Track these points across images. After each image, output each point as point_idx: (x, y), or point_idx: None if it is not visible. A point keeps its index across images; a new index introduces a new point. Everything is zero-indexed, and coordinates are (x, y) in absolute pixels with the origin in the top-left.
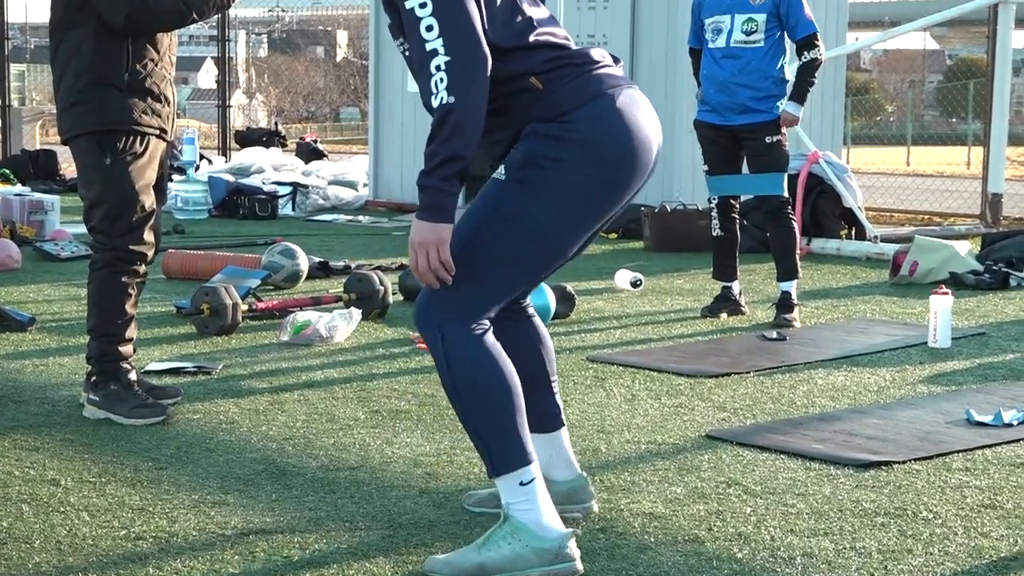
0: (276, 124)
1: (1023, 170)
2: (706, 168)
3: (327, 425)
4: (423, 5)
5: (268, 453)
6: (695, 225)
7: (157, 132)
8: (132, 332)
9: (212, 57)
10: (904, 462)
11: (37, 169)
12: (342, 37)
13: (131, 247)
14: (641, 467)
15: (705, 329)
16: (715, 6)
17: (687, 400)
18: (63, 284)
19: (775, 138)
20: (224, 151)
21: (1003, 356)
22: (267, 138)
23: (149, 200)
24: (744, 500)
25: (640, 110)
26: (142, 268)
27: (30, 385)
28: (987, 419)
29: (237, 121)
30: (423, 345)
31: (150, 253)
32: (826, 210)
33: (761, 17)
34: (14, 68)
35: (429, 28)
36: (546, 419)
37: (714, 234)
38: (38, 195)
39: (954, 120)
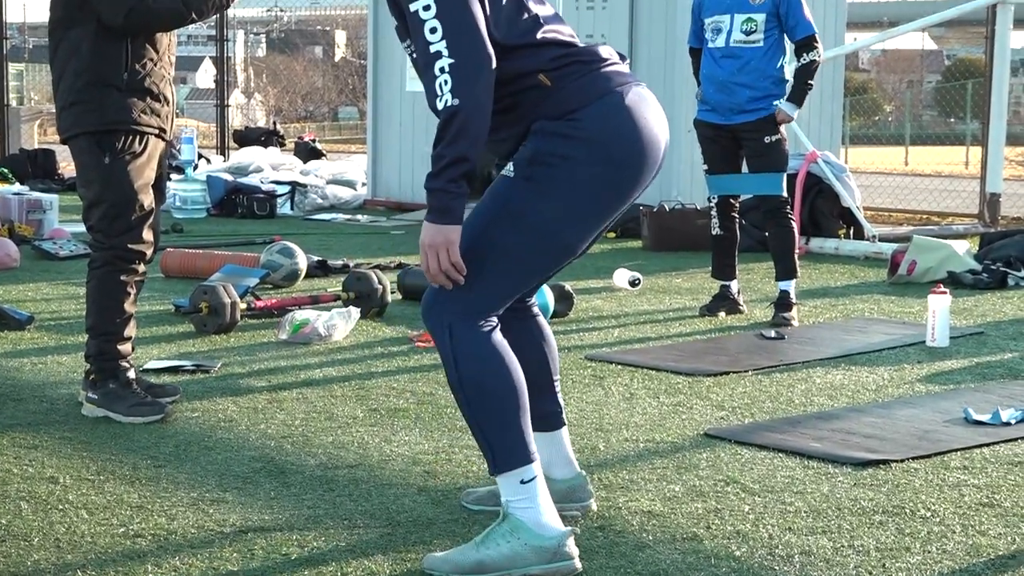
0: (274, 123)
1: (1021, 170)
2: (706, 167)
3: (326, 423)
4: (427, 7)
5: (267, 451)
6: (693, 224)
7: (156, 131)
8: (131, 331)
9: (210, 57)
10: (902, 461)
11: (35, 168)
12: (340, 37)
13: (130, 246)
14: (639, 465)
15: (703, 328)
16: (715, 6)
17: (685, 399)
18: (61, 283)
19: (775, 137)
20: (222, 150)
21: (1001, 355)
22: (265, 137)
23: (148, 199)
24: (742, 498)
25: (648, 108)
26: (141, 267)
27: (29, 383)
28: (985, 418)
29: (235, 120)
30: (422, 344)
31: (149, 252)
32: (824, 209)
33: (760, 17)
34: (12, 67)
35: (433, 30)
36: (547, 418)
37: (713, 233)
38: (36, 194)
39: (952, 120)
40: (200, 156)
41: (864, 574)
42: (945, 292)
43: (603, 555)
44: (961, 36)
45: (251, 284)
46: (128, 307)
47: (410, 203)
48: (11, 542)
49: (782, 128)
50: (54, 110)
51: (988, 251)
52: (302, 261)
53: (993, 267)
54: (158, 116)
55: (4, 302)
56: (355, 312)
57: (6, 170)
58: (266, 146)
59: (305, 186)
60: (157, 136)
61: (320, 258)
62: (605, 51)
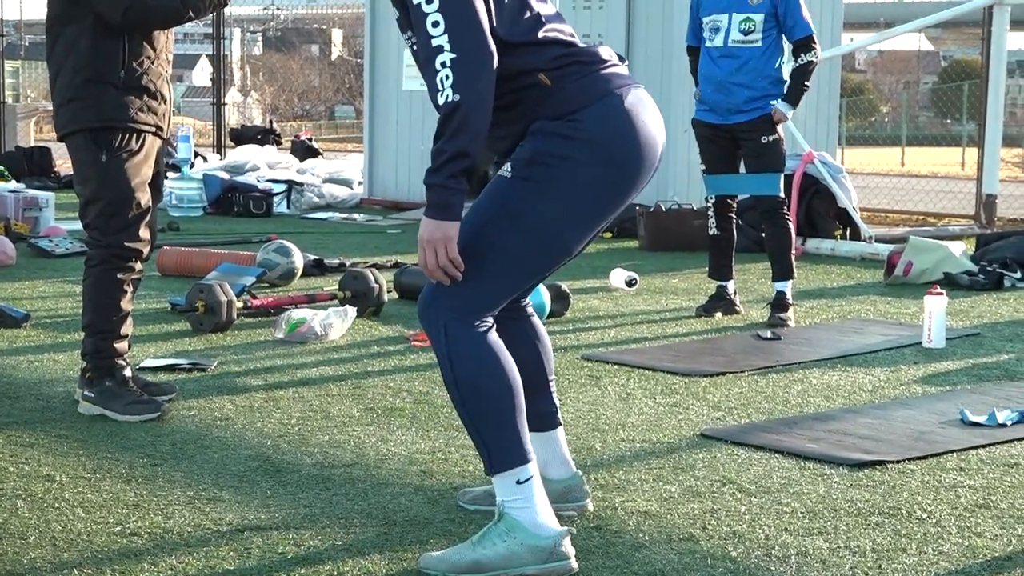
0: (271, 122)
1: (1017, 171)
2: (703, 167)
3: (322, 422)
4: (430, 1)
5: (263, 450)
6: (690, 224)
7: (153, 129)
8: (127, 329)
9: (207, 55)
10: (898, 462)
11: (32, 166)
12: (337, 36)
13: (127, 244)
14: (636, 466)
15: (700, 328)
16: (713, 5)
17: (682, 399)
18: (58, 280)
19: (772, 137)
20: (219, 149)
21: (997, 356)
22: (262, 136)
23: (145, 197)
24: (738, 499)
25: (646, 111)
26: (138, 265)
27: (25, 381)
28: (981, 419)
29: (232, 119)
30: (418, 343)
31: (146, 250)
32: (821, 210)
33: (759, 17)
34: (8, 65)
35: (435, 24)
36: (543, 418)
37: (711, 233)
38: (33, 191)
39: (949, 121)
40: (196, 154)
41: (860, 575)
42: (941, 293)
43: (599, 555)
44: (957, 37)
45: (247, 283)
46: (125, 305)
47: (407, 202)
48: (7, 540)
49: (779, 128)
50: (51, 107)
51: (984, 252)
52: (298, 260)
53: (989, 268)
54: (155, 114)
55: (0, 300)
56: (351, 311)
57: (2, 167)
58: (262, 144)
59: (301, 185)
60: (154, 134)
61: (316, 257)
62: (605, 52)
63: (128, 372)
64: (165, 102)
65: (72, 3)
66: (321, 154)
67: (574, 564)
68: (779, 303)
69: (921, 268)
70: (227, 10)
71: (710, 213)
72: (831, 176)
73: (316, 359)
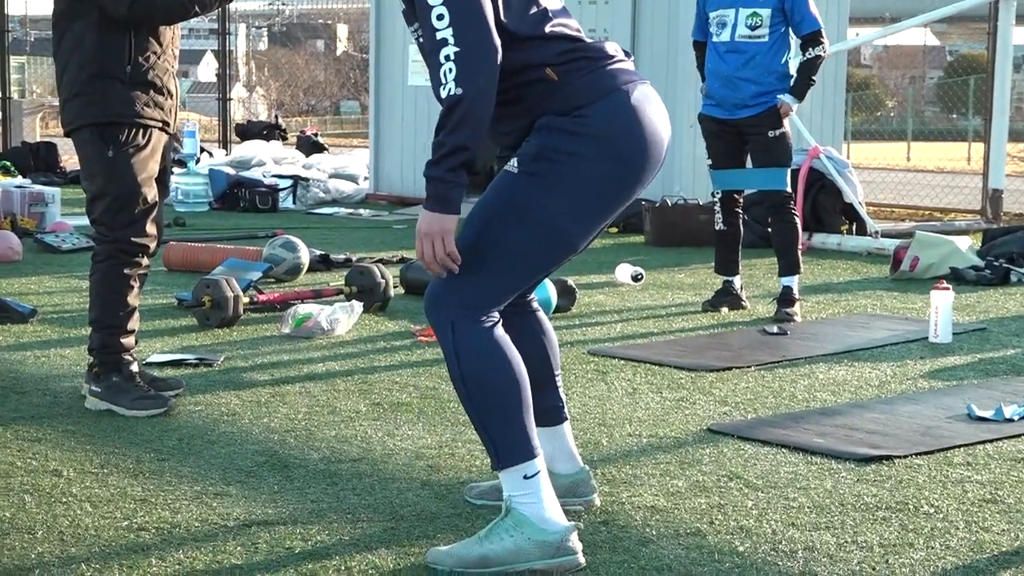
0: (276, 117)
1: (1023, 166)
2: (710, 162)
3: (329, 417)
4: None
5: (270, 445)
6: (696, 220)
7: (159, 125)
8: (134, 324)
9: (212, 50)
10: (905, 456)
11: (38, 161)
12: (342, 31)
13: (133, 239)
14: (642, 460)
15: (706, 323)
16: (720, 0)
17: (688, 394)
18: (64, 276)
19: (778, 132)
20: (224, 144)
21: (1004, 351)
22: (267, 131)
23: (151, 193)
24: (745, 494)
25: (652, 106)
26: (144, 260)
27: (32, 376)
28: (988, 414)
29: (237, 114)
30: (424, 338)
31: (152, 245)
32: (827, 205)
33: (766, 12)
34: (14, 60)
35: (440, 17)
36: (550, 413)
37: (717, 228)
38: (39, 187)
39: (954, 116)
40: (202, 150)
41: (867, 570)
42: (948, 288)
43: (606, 550)
44: (963, 32)
45: (254, 278)
46: (131, 300)
47: (412, 197)
48: (15, 535)
49: (785, 123)
50: (56, 103)
51: (991, 247)
52: (304, 255)
53: (996, 263)
54: (161, 109)
55: (7, 295)
56: (358, 306)
57: (8, 163)
58: (268, 140)
59: (307, 180)
60: (160, 129)
61: (322, 252)
62: (611, 48)
63: (135, 367)
64: (171, 97)
65: None
66: (327, 149)
67: (581, 559)
68: (785, 298)
69: (927, 263)
70: (232, 5)
71: (716, 208)
72: (837, 171)
73: (322, 354)
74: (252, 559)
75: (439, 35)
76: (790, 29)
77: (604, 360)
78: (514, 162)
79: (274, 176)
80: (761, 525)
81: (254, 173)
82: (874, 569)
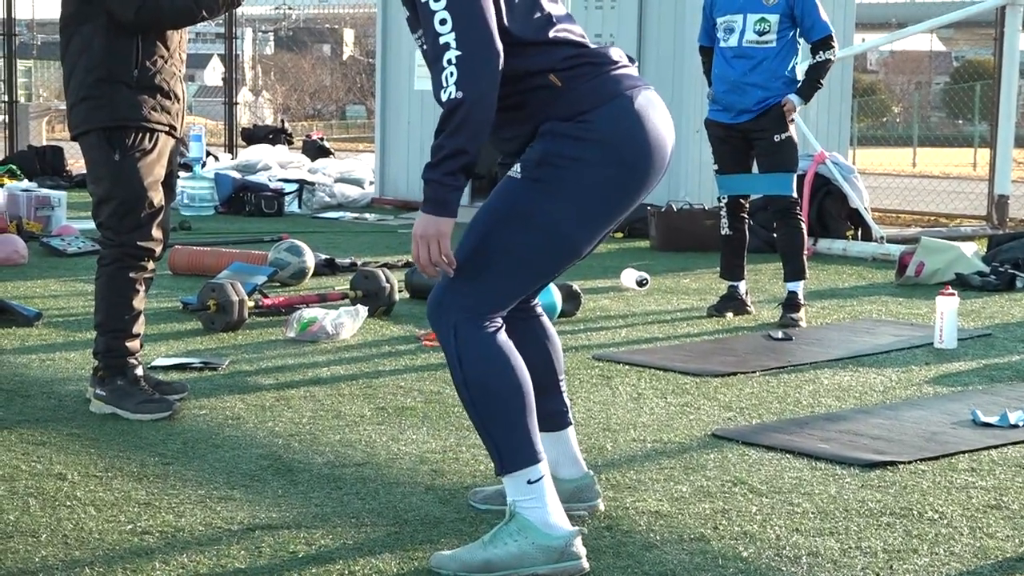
0: (282, 121)
1: None
2: (716, 167)
3: (333, 421)
4: None
5: (274, 449)
6: (701, 225)
7: (166, 129)
8: (139, 328)
9: (219, 54)
10: (910, 462)
11: (44, 165)
12: (348, 35)
13: (139, 243)
14: (647, 466)
15: (711, 328)
16: (727, 5)
17: (693, 399)
18: (69, 280)
19: (784, 136)
20: (230, 148)
21: (1009, 357)
22: (273, 135)
23: (158, 197)
24: (750, 499)
25: (656, 111)
26: (150, 264)
27: (37, 380)
28: (993, 420)
29: (243, 118)
30: (429, 342)
31: (158, 249)
32: (832, 211)
33: (774, 18)
34: (21, 64)
35: (443, 22)
36: (554, 418)
37: (723, 233)
38: (45, 191)
39: (960, 122)
40: (208, 154)
41: None
42: (953, 294)
43: (610, 555)
44: (969, 38)
45: (259, 282)
46: (137, 304)
47: (417, 202)
48: (19, 538)
49: (791, 128)
50: (62, 107)
51: (996, 253)
52: (310, 259)
53: (1001, 269)
54: (168, 113)
55: (12, 298)
56: (363, 310)
57: (15, 166)
58: (274, 144)
59: (313, 184)
60: (167, 133)
61: (328, 256)
62: (615, 53)
63: (140, 371)
64: (178, 101)
65: (86, 2)
66: (332, 154)
67: (585, 564)
68: (791, 303)
69: (933, 269)
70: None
71: (723, 213)
72: (843, 176)
73: (327, 358)
74: (256, 563)
75: (442, 40)
76: (798, 35)
77: (609, 365)
78: (517, 168)
79: (280, 180)
80: (765, 530)
81: (260, 177)
82: (878, 575)
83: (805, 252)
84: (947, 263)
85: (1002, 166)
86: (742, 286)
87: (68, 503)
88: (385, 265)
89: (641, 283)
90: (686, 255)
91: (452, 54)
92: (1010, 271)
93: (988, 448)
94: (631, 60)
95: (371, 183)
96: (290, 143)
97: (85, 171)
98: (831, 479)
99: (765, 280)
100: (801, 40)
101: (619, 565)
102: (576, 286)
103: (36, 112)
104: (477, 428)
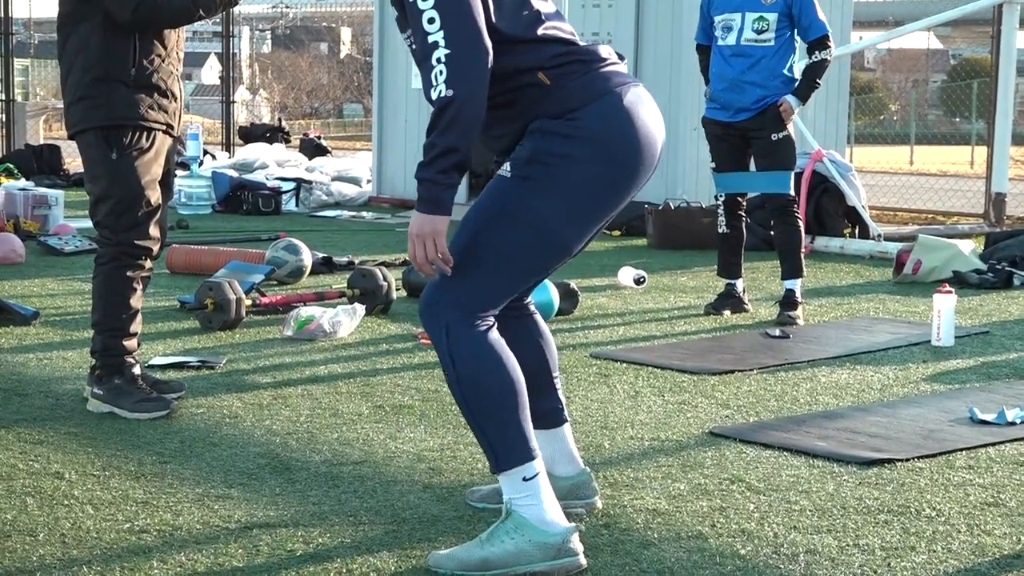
0: (280, 120)
1: None
2: (713, 165)
3: (331, 420)
4: None
5: (272, 447)
6: (698, 222)
7: (164, 128)
8: (136, 327)
9: (216, 53)
10: (907, 460)
11: (41, 164)
12: (346, 34)
13: (136, 242)
14: (644, 463)
15: (708, 326)
16: (726, 4)
17: (690, 397)
18: (67, 278)
19: (782, 135)
20: (228, 147)
21: (1006, 355)
22: (271, 134)
23: (155, 195)
24: (747, 497)
25: (645, 109)
26: (147, 263)
27: (34, 379)
28: (990, 417)
29: (240, 117)
30: (427, 340)
31: (155, 248)
32: (830, 208)
33: (773, 16)
34: (18, 63)
35: (431, 20)
36: (549, 415)
37: (720, 231)
38: (42, 190)
39: (958, 119)
40: (205, 152)
41: (869, 573)
42: (950, 292)
43: (608, 553)
44: (967, 36)
45: (256, 280)
46: (134, 303)
47: (415, 200)
48: (17, 537)
49: (789, 126)
50: (59, 106)
51: (993, 251)
52: (307, 258)
53: (998, 267)
54: (165, 112)
55: (9, 298)
56: (360, 309)
57: (11, 166)
58: (271, 143)
59: (310, 183)
60: (164, 132)
61: (325, 255)
62: (604, 51)
63: (137, 370)
64: (176, 100)
65: (83, 1)
66: (330, 152)
67: (583, 560)
68: (788, 301)
69: (930, 266)
70: (236, 8)
71: (720, 211)
72: (840, 174)
73: (325, 357)
74: (253, 562)
75: (430, 39)
76: (795, 34)
77: (606, 363)
78: (507, 166)
79: (277, 179)
80: (763, 528)
81: (257, 176)
82: (875, 572)
83: (802, 250)
84: (944, 261)
85: (999, 164)
86: (739, 284)
87: (66, 502)
88: (383, 263)
89: (638, 281)
90: (683, 253)
91: (441, 52)
92: (1007, 269)
93: (985, 446)
94: (620, 57)
95: (368, 181)
96: (287, 142)
97: (82, 170)
98: (829, 477)
99: (762, 278)
100: (799, 39)
101: (617, 563)
102: (573, 284)
103: (33, 111)
104: (471, 426)
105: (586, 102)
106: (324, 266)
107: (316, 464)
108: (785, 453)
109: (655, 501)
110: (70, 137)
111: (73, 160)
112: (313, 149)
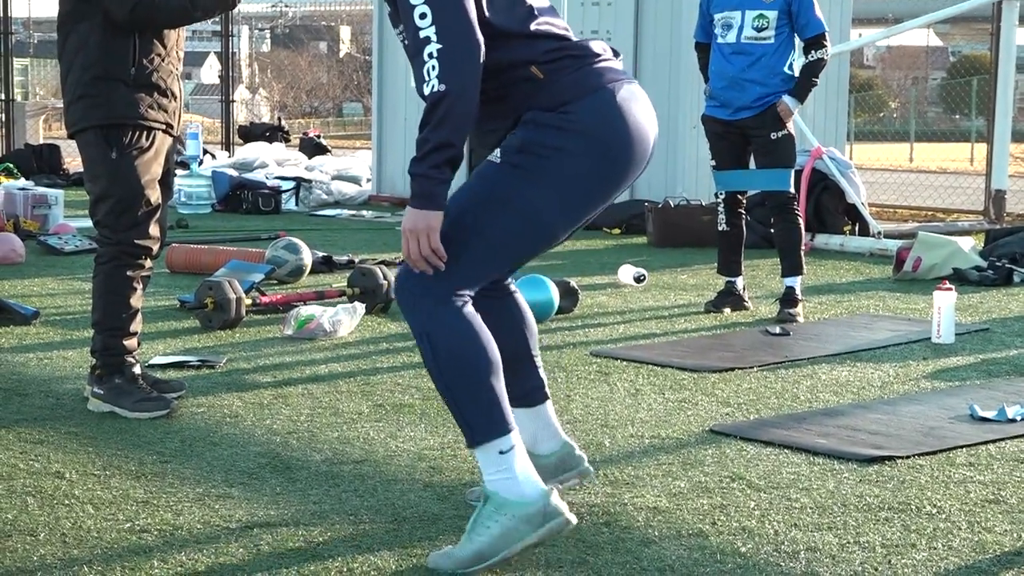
0: (279, 119)
1: None
2: (713, 163)
3: (331, 419)
4: None
5: (272, 447)
6: (698, 220)
7: (163, 127)
8: (137, 326)
9: (215, 52)
10: (908, 457)
11: (41, 163)
12: (345, 32)
13: (136, 241)
14: (645, 461)
15: (709, 324)
16: (725, 2)
17: (691, 395)
18: (67, 278)
19: (782, 133)
20: (227, 146)
21: (1006, 352)
22: (270, 133)
23: (155, 195)
24: (748, 494)
25: (638, 105)
26: (147, 262)
27: (34, 378)
28: (991, 414)
29: (240, 116)
30: None
31: (155, 247)
32: (830, 206)
33: (772, 14)
34: (17, 63)
35: (423, 16)
36: (531, 394)
37: (720, 229)
38: (42, 189)
39: (957, 117)
40: (205, 152)
41: (870, 570)
42: (950, 289)
43: (608, 551)
44: (966, 33)
45: (256, 280)
46: (134, 302)
47: None
48: (17, 537)
49: (789, 124)
50: (59, 105)
51: (993, 248)
52: (307, 257)
53: (998, 264)
54: (165, 111)
55: (9, 297)
56: (360, 308)
57: (11, 165)
58: (271, 142)
59: (310, 182)
60: (164, 131)
61: (325, 254)
62: (598, 46)
63: (137, 369)
64: (175, 99)
65: (83, 0)
66: (329, 151)
67: (571, 517)
68: (788, 299)
69: (930, 263)
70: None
71: (720, 209)
72: (840, 172)
73: (325, 356)
74: (254, 561)
75: (422, 34)
76: (795, 32)
77: (606, 361)
78: (497, 152)
79: (277, 178)
80: (763, 526)
81: (257, 175)
82: (876, 570)
83: (802, 247)
84: (944, 258)
85: (999, 161)
86: (739, 282)
87: (66, 502)
88: (382, 262)
89: (639, 279)
90: (683, 251)
91: (433, 47)
92: (1007, 266)
93: (986, 443)
94: (616, 53)
95: (368, 180)
96: (287, 141)
97: (82, 169)
98: (829, 474)
99: (762, 276)
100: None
101: (617, 561)
102: (574, 282)
103: (33, 110)
104: (446, 400)
105: (579, 96)
106: (324, 265)
107: (317, 463)
108: (785, 450)
109: (656, 499)
110: (70, 136)
111: (73, 160)
112: (313, 148)
